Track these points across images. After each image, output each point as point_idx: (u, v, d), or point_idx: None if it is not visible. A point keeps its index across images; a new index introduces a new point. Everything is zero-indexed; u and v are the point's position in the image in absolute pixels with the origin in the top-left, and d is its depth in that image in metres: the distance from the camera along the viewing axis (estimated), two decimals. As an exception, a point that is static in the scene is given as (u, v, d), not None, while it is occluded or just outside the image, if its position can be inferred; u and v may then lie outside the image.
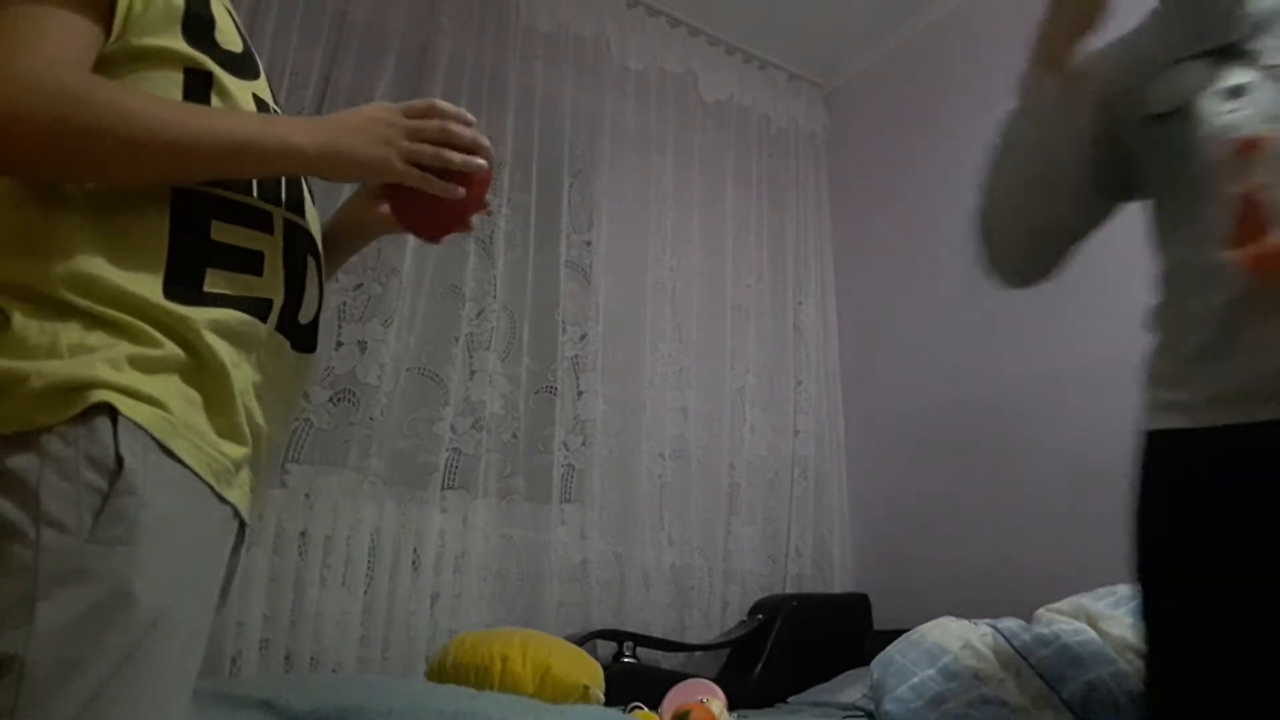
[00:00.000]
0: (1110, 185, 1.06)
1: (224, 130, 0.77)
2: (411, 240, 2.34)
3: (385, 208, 1.00)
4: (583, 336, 2.64)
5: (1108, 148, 1.03)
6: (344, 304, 2.27)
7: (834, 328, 3.19)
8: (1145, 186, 1.02)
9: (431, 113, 0.88)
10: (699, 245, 2.96)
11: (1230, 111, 0.88)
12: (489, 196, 0.96)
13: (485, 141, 0.91)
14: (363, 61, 2.39)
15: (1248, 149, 0.85)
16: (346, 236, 1.06)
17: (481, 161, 0.89)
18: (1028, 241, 1.12)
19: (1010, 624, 1.73)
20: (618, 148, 2.87)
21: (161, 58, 0.79)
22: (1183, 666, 0.85)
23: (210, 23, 0.83)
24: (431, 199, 0.89)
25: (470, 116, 0.90)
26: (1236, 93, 0.89)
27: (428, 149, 0.86)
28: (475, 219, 0.96)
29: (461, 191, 0.89)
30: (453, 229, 0.95)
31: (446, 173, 0.88)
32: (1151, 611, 0.90)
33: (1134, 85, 0.99)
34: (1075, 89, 1.03)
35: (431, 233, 0.97)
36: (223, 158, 0.77)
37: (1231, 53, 0.91)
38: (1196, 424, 0.87)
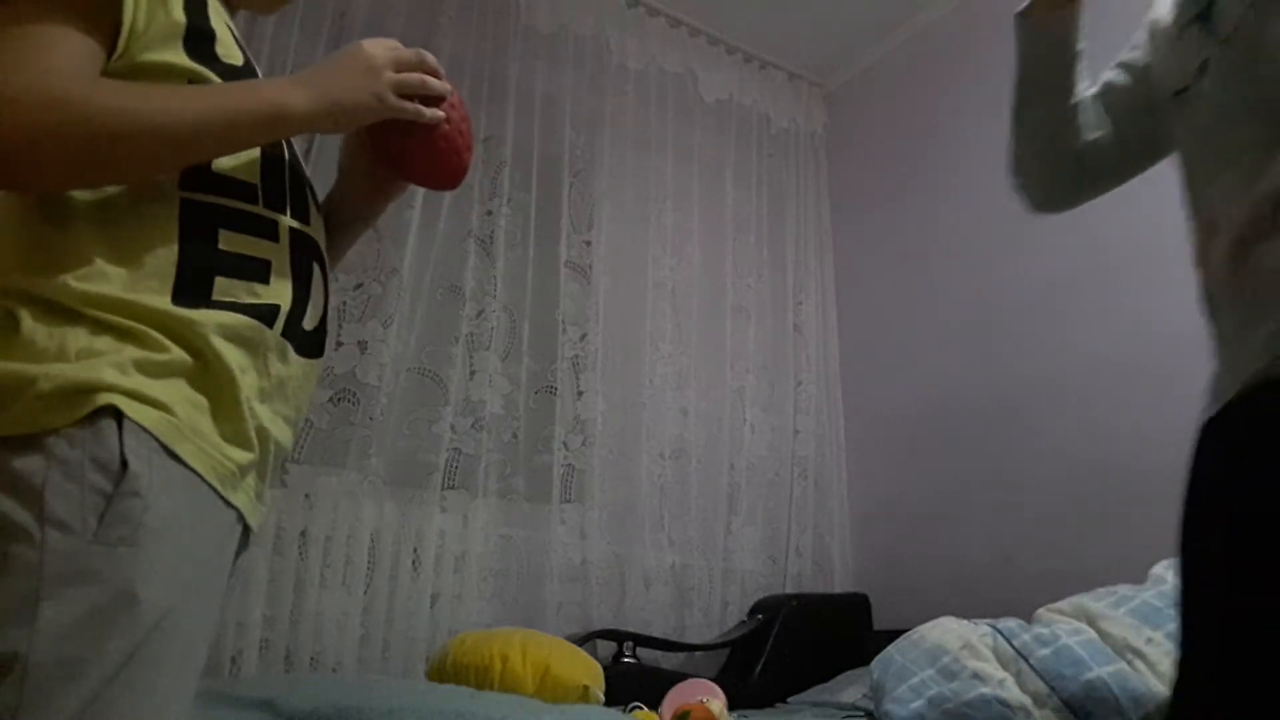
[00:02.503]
0: (1145, 148, 1.05)
1: (224, 107, 0.78)
2: (412, 240, 2.35)
3: (380, 173, 1.01)
4: (583, 336, 2.64)
5: (1146, 114, 1.01)
6: (344, 304, 2.27)
7: (834, 328, 3.19)
8: (1177, 157, 0.95)
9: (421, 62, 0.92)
10: (699, 245, 2.96)
11: (1199, 95, 0.81)
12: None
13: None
14: (363, 61, 2.39)
15: (1205, 141, 0.80)
16: (345, 220, 1.05)
17: (447, 86, 0.93)
18: (1039, 169, 1.12)
19: (1010, 624, 1.73)
20: (618, 148, 2.87)
21: (165, 72, 0.79)
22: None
23: (211, 36, 0.84)
24: (425, 139, 0.92)
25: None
26: (1203, 70, 0.81)
27: (414, 76, 0.89)
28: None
29: (443, 114, 0.92)
30: (453, 165, 0.97)
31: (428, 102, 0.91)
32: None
33: (1170, 42, 0.93)
34: (1045, 22, 1.06)
35: (433, 168, 0.98)
36: (227, 134, 0.79)
37: (1206, 18, 0.82)
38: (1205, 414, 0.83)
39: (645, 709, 1.83)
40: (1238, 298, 0.78)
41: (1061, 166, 1.09)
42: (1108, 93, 1.07)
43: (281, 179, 0.88)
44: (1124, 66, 1.06)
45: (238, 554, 0.84)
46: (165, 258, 0.76)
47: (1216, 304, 0.83)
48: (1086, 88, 1.09)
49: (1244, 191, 0.75)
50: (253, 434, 0.80)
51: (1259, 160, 0.73)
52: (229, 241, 0.81)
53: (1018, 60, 1.11)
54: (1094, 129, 1.06)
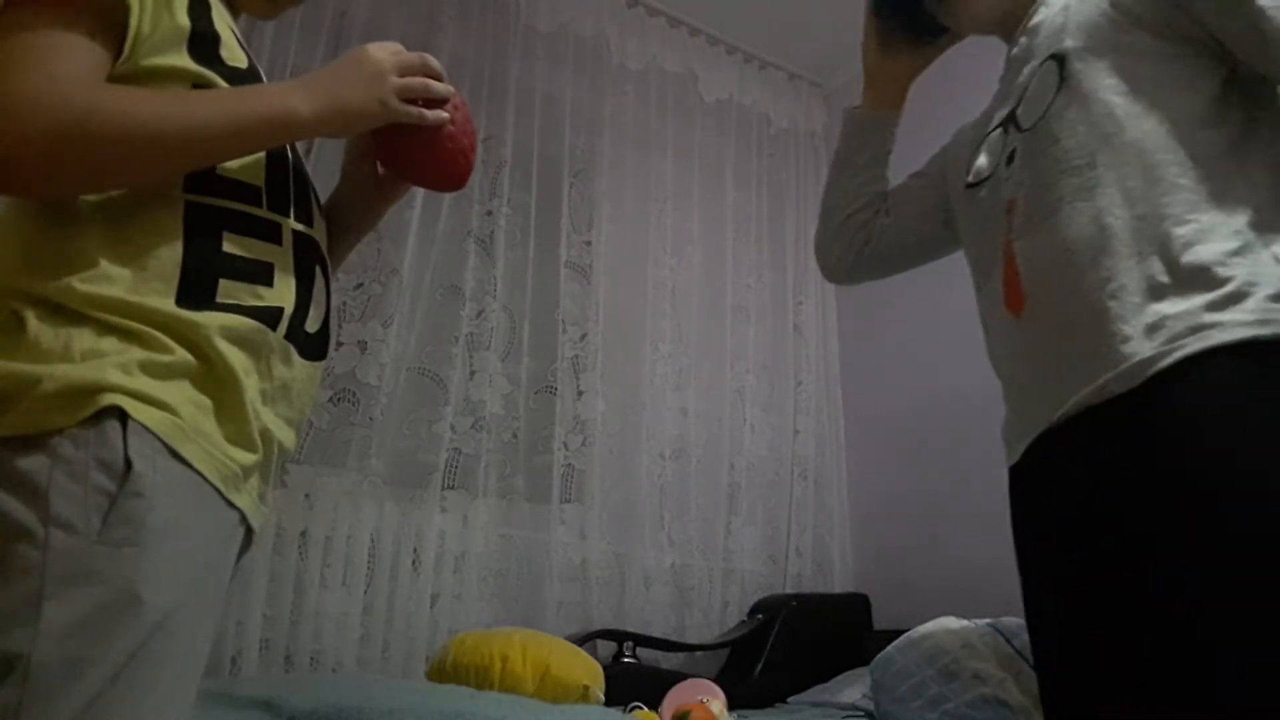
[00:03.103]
0: (943, 240, 1.27)
1: (230, 111, 0.79)
2: (412, 240, 2.35)
3: (381, 170, 1.02)
4: (583, 336, 2.64)
5: (943, 211, 1.22)
6: (344, 304, 2.27)
7: (834, 328, 3.19)
8: (966, 246, 1.17)
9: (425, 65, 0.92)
10: (699, 245, 2.96)
11: (1005, 179, 1.01)
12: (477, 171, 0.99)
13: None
14: (363, 61, 2.39)
15: (1009, 210, 0.98)
16: (347, 221, 1.05)
17: (450, 89, 0.94)
18: (834, 240, 1.34)
19: (1010, 624, 1.73)
20: (618, 148, 2.87)
21: (170, 76, 0.80)
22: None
23: (216, 39, 0.84)
24: (429, 142, 0.92)
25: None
26: (1010, 159, 1.01)
27: (418, 81, 0.90)
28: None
29: (447, 116, 0.93)
30: (457, 167, 0.97)
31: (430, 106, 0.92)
32: None
33: (964, 157, 1.14)
34: (870, 119, 1.31)
35: (437, 171, 0.98)
36: (234, 139, 0.79)
37: (1013, 121, 1.03)
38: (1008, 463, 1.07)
39: (645, 709, 1.83)
40: (1032, 358, 0.96)
41: (853, 241, 1.31)
42: (901, 193, 1.31)
43: (285, 181, 0.88)
44: (915, 176, 1.31)
45: (240, 555, 0.84)
46: (169, 260, 0.77)
47: (1013, 362, 1.02)
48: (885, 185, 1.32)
49: (1041, 257, 0.93)
50: (256, 435, 0.80)
51: (1051, 225, 0.92)
52: (233, 244, 0.81)
53: (839, 143, 1.35)
54: (885, 217, 1.30)
